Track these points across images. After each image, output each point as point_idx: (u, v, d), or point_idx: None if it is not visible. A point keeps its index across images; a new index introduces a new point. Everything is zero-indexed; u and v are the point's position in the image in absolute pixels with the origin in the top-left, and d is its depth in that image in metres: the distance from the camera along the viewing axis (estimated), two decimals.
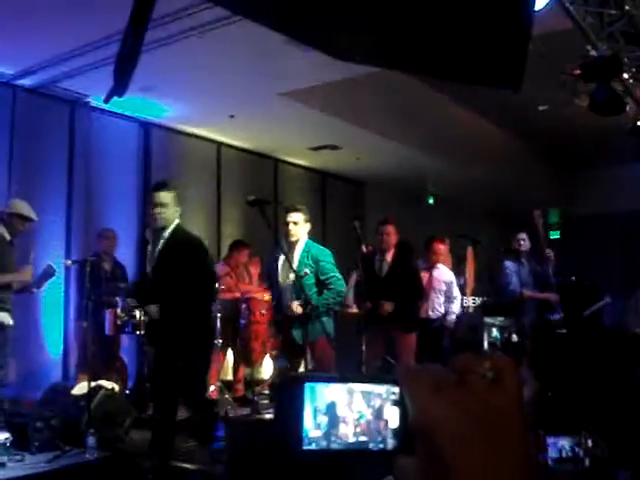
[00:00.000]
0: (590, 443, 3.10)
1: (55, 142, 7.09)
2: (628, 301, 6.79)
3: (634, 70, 5.44)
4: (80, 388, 5.10)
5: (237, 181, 9.13)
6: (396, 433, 0.57)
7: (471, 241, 7.15)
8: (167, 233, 4.41)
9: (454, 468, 0.50)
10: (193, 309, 4.42)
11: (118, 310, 4.66)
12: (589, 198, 11.92)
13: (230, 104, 7.49)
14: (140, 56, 1.12)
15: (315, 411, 0.58)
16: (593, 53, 5.11)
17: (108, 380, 5.52)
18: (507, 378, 0.53)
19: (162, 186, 4.48)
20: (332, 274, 5.05)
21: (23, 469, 4.19)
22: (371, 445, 0.58)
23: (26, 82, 6.65)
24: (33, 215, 5.36)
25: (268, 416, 5.37)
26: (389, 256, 5.89)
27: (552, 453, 3.08)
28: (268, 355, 7.22)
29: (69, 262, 6.02)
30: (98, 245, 6.67)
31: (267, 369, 7.34)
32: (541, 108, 7.33)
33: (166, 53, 5.48)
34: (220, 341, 6.40)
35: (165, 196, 4.41)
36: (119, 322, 4.44)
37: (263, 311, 6.67)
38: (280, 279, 5.12)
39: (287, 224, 5.09)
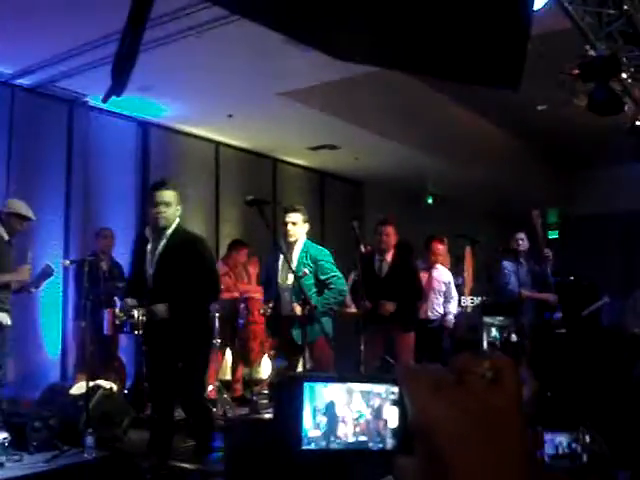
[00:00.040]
0: (588, 439, 3.09)
1: (53, 141, 7.09)
2: (626, 301, 6.80)
3: (632, 70, 5.45)
4: (78, 388, 5.10)
5: (236, 181, 9.12)
6: (395, 433, 0.57)
7: (470, 241, 7.15)
8: (169, 232, 4.40)
9: (453, 468, 0.50)
10: (197, 309, 4.42)
11: (116, 310, 4.65)
12: (588, 198, 11.93)
13: (228, 104, 7.48)
14: (138, 56, 1.12)
15: (314, 411, 0.58)
16: (592, 53, 5.11)
17: (106, 380, 5.52)
18: (506, 378, 0.53)
19: (163, 185, 4.46)
20: (332, 273, 5.05)
21: (21, 469, 4.19)
22: (370, 445, 0.58)
23: (24, 81, 6.64)
24: (31, 214, 5.35)
25: (267, 416, 5.38)
26: (389, 256, 5.89)
27: (549, 449, 3.07)
28: (266, 355, 7.23)
29: (67, 262, 6.01)
30: (96, 244, 6.67)
31: (265, 369, 7.34)
32: (540, 108, 7.34)
33: (164, 53, 5.48)
34: (219, 341, 6.40)
35: (167, 195, 4.40)
36: (117, 322, 4.43)
37: (262, 311, 6.67)
38: (279, 280, 5.12)
39: (286, 224, 5.09)
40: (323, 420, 0.58)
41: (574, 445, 3.09)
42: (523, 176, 10.63)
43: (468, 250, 7.79)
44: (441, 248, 7.11)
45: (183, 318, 4.27)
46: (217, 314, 6.30)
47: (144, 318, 4.33)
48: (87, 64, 5.98)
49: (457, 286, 7.30)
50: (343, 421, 0.58)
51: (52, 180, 7.06)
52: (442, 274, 7.04)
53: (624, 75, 5.37)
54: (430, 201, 11.70)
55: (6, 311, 5.07)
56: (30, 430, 4.50)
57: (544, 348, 6.07)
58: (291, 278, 4.94)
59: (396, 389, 0.57)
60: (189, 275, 4.29)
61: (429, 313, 6.89)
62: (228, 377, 7.24)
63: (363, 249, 5.64)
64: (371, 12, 1.29)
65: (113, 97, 1.15)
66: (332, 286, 5.02)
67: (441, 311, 6.98)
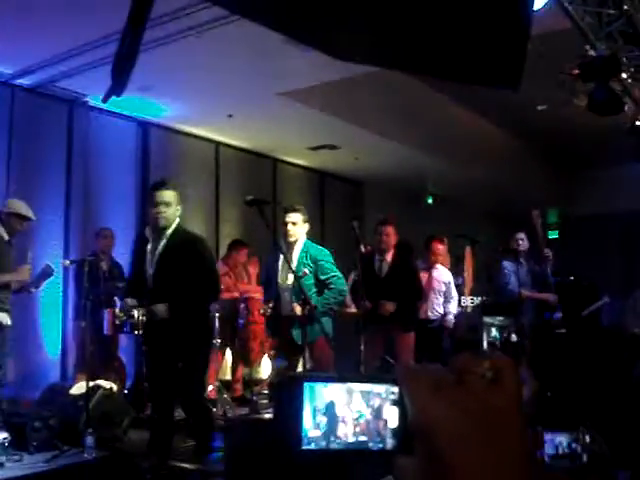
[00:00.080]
0: (588, 439, 3.08)
1: (53, 141, 7.09)
2: (626, 301, 6.80)
3: (632, 70, 5.44)
4: (78, 388, 5.09)
5: (235, 181, 9.12)
6: (395, 433, 0.57)
7: (470, 241, 7.15)
8: (169, 232, 4.40)
9: (453, 468, 0.50)
10: (197, 309, 4.42)
11: (116, 310, 4.65)
12: (588, 198, 11.93)
13: (228, 104, 7.48)
14: (138, 56, 1.12)
15: (314, 411, 0.58)
16: (592, 53, 5.11)
17: (106, 380, 5.52)
18: (506, 378, 0.53)
19: (163, 185, 4.46)
20: (333, 273, 5.06)
21: (21, 469, 4.19)
22: (370, 445, 0.58)
23: (25, 81, 6.64)
24: (31, 214, 5.35)
25: (267, 416, 5.38)
26: (389, 256, 5.90)
27: (549, 449, 3.07)
28: (266, 355, 7.23)
29: (67, 262, 6.01)
30: (95, 244, 6.67)
31: (265, 369, 7.35)
32: (540, 108, 7.34)
33: (164, 53, 5.48)
34: (219, 341, 6.40)
35: (167, 195, 4.40)
36: (117, 322, 4.43)
37: (262, 311, 6.67)
38: (279, 280, 5.11)
39: (286, 224, 5.08)
40: (323, 420, 0.58)
41: (574, 445, 3.08)
42: (523, 176, 10.63)
43: (468, 250, 7.79)
44: (441, 248, 7.11)
45: (183, 318, 4.27)
46: (217, 314, 6.30)
47: (144, 318, 4.33)
48: (87, 64, 5.98)
49: (457, 286, 7.30)
50: (343, 421, 0.58)
51: (52, 180, 7.06)
52: (442, 274, 7.04)
53: (624, 75, 5.37)
54: (430, 201, 11.70)
55: (6, 311, 5.07)
56: (30, 430, 4.50)
57: (544, 348, 6.07)
58: (291, 278, 4.94)
59: (396, 389, 0.57)
60: (189, 275, 4.29)
61: (429, 313, 6.89)
62: (228, 377, 7.24)
63: (363, 249, 5.64)
64: (371, 12, 1.29)
65: (113, 97, 1.15)
66: (332, 286, 5.03)
67: (441, 311, 6.98)
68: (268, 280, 5.33)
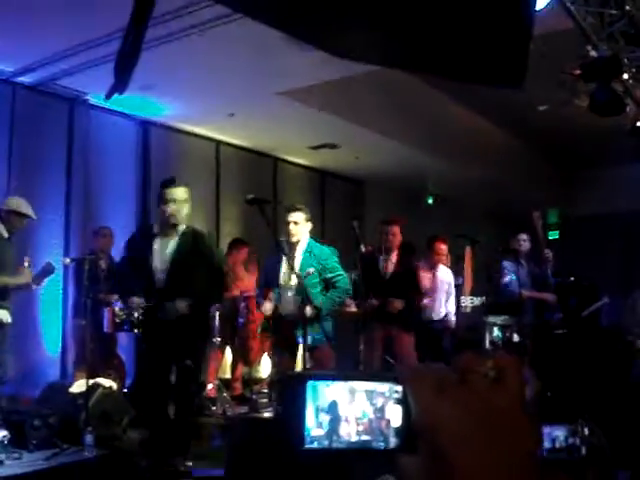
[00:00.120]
0: (587, 432, 3.07)
1: (54, 140, 7.08)
2: (626, 301, 6.79)
3: (634, 70, 5.44)
4: (78, 386, 5.09)
5: (236, 180, 9.12)
6: (398, 432, 0.57)
7: (469, 241, 7.14)
8: (180, 230, 4.38)
9: (456, 467, 0.50)
10: (208, 306, 4.43)
11: (116, 308, 4.64)
12: (588, 198, 11.91)
13: (229, 103, 7.48)
14: (141, 53, 1.12)
15: (317, 410, 0.57)
16: (593, 53, 5.10)
17: (106, 378, 5.51)
18: (509, 377, 0.52)
19: (173, 182, 4.45)
20: (338, 272, 5.04)
21: (21, 467, 4.18)
22: (373, 444, 0.57)
23: (26, 79, 6.63)
24: (31, 212, 5.34)
25: (267, 415, 5.38)
26: (394, 256, 5.92)
27: (545, 443, 3.05)
28: (266, 354, 7.23)
29: (68, 260, 6.01)
30: (94, 243, 6.66)
31: (265, 368, 7.34)
32: (541, 108, 7.33)
33: (166, 51, 5.47)
34: (219, 339, 6.39)
35: (181, 192, 4.40)
36: (117, 320, 4.43)
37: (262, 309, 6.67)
38: (282, 281, 5.08)
39: (288, 224, 5.06)
40: (326, 419, 0.57)
41: (571, 439, 3.06)
42: (523, 176, 10.62)
43: (468, 250, 7.79)
44: (444, 248, 7.11)
45: (199, 315, 4.27)
46: (217, 312, 6.30)
47: (142, 317, 4.32)
48: (88, 62, 5.97)
49: (457, 286, 7.30)
50: (346, 420, 0.58)
51: (52, 178, 7.05)
52: (445, 274, 7.06)
53: (625, 76, 5.36)
54: (430, 201, 11.69)
55: (6, 309, 5.06)
56: (30, 428, 4.49)
57: (544, 348, 6.07)
58: (294, 278, 4.90)
59: (399, 388, 0.57)
60: (204, 272, 4.29)
61: (433, 313, 6.90)
62: (228, 376, 7.23)
63: (363, 249, 5.64)
64: (375, 11, 1.28)
65: (115, 95, 1.15)
66: (338, 285, 5.01)
67: (444, 311, 6.99)
68: (267, 284, 5.29)
